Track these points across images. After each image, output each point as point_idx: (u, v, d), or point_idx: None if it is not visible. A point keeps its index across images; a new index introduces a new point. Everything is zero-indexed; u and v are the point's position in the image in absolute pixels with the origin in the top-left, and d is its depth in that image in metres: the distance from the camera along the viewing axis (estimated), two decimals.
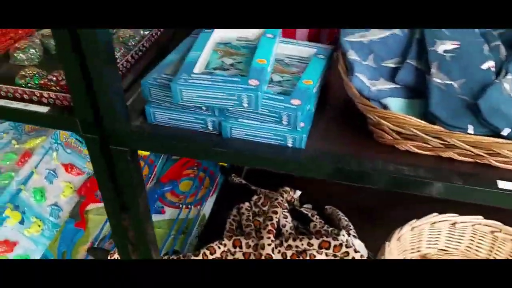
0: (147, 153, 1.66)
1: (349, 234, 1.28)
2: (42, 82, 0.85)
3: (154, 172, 1.63)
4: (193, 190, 1.57)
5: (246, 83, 0.72)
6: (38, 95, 0.84)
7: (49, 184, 1.53)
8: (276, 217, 1.28)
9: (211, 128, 0.79)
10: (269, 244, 1.20)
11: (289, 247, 1.21)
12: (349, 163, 0.73)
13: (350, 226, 1.34)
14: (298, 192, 1.46)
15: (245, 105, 0.72)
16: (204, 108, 0.78)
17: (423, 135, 0.69)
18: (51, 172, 1.55)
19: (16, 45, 0.94)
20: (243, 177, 1.56)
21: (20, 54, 0.93)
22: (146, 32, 1.00)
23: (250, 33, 0.87)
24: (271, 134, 0.76)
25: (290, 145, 0.76)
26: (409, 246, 1.35)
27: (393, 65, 0.78)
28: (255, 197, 1.40)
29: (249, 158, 0.77)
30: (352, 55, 0.78)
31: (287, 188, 1.43)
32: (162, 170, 1.65)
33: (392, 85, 0.75)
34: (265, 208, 1.38)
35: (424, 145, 0.72)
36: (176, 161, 1.67)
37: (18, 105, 0.84)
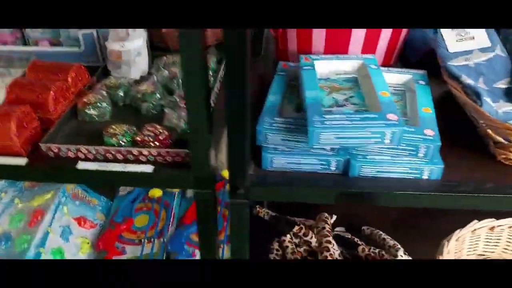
0: (159, 194, 1.57)
1: (404, 253, 1.27)
2: (139, 138, 0.77)
3: (172, 214, 1.54)
4: (220, 227, 1.50)
5: (385, 118, 0.69)
6: (136, 153, 0.76)
7: (66, 242, 1.40)
8: (332, 247, 1.25)
9: (333, 169, 0.76)
10: None
11: None
12: (493, 190, 0.72)
13: (397, 245, 1.33)
14: (334, 217, 1.44)
15: (387, 141, 0.69)
16: (328, 148, 0.74)
17: None
18: (65, 228, 1.42)
19: (84, 100, 0.85)
20: (267, 207, 1.51)
21: (91, 110, 0.84)
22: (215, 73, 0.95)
23: (346, 66, 0.84)
24: (406, 168, 0.73)
25: (425, 177, 0.74)
26: (454, 256, 1.36)
27: (504, 86, 0.79)
28: (296, 227, 1.36)
29: (382, 197, 0.73)
30: (468, 80, 0.77)
31: (326, 214, 1.40)
32: (180, 211, 1.57)
33: None
34: (307, 238, 1.34)
35: None
36: (192, 199, 1.59)
37: (115, 167, 0.75)
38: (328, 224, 1.34)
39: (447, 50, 0.83)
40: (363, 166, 0.74)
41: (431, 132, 0.72)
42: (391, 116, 0.70)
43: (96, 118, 0.85)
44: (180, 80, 0.92)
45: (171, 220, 1.51)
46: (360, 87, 0.81)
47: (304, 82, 0.78)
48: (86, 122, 0.85)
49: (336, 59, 0.85)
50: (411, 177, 0.74)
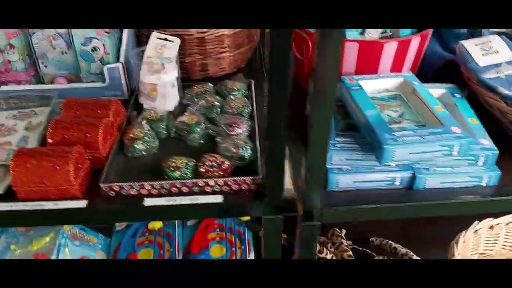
0: (159, 225, 1.53)
1: None
2: (203, 170, 0.76)
3: (177, 245, 1.50)
4: (228, 252, 1.48)
5: (451, 131, 0.73)
6: (202, 184, 0.75)
7: None
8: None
9: (398, 184, 0.78)
10: None
11: None
12: None
13: (410, 252, 1.37)
14: (343, 231, 1.46)
15: (455, 153, 0.73)
16: (392, 164, 0.77)
17: None
18: None
19: (131, 135, 0.82)
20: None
21: (140, 145, 0.82)
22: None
23: (388, 84, 0.88)
24: (467, 177, 0.77)
25: (484, 184, 0.78)
26: (460, 258, 1.42)
27: None
28: None
29: (449, 206, 0.76)
30: (505, 91, 0.82)
31: (338, 230, 1.42)
32: (183, 241, 1.54)
33: None
34: (322, 255, 1.35)
35: None
36: (195, 228, 1.57)
37: (183, 200, 0.74)
38: (344, 239, 1.37)
39: (477, 65, 0.88)
40: (427, 179, 0.77)
41: (487, 141, 0.77)
42: (455, 129, 0.73)
43: (144, 153, 0.83)
44: (219, 109, 0.92)
45: (177, 251, 1.48)
46: (408, 103, 0.84)
47: (358, 102, 0.80)
48: (134, 158, 0.83)
49: (377, 78, 0.88)
50: (471, 185, 0.78)
